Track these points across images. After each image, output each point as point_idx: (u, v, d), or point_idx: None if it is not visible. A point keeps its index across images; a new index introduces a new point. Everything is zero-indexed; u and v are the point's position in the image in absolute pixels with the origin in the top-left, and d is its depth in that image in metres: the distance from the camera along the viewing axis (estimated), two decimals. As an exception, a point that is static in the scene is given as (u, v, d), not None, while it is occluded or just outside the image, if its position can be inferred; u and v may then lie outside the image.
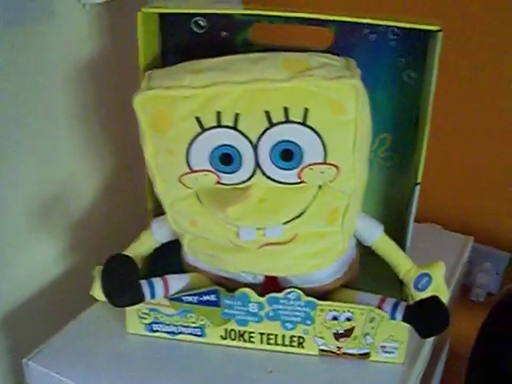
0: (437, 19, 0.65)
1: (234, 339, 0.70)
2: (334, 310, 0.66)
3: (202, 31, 0.70)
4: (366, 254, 0.71)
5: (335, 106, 0.58)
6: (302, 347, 0.69)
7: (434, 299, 0.64)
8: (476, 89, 0.94)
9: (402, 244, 0.71)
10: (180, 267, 0.72)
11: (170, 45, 0.71)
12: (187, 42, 0.70)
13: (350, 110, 0.58)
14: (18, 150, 0.72)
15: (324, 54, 0.63)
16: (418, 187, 0.69)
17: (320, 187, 0.62)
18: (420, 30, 0.65)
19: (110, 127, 0.85)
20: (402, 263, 0.69)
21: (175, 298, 0.68)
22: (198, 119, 0.59)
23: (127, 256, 0.66)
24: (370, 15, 0.65)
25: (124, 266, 0.65)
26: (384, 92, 0.71)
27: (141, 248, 0.71)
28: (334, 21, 0.66)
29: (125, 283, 0.65)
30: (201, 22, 0.70)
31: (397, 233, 0.71)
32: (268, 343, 0.69)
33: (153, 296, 0.67)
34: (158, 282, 0.68)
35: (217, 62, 0.62)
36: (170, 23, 0.70)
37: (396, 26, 0.67)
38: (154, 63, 0.69)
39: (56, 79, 0.75)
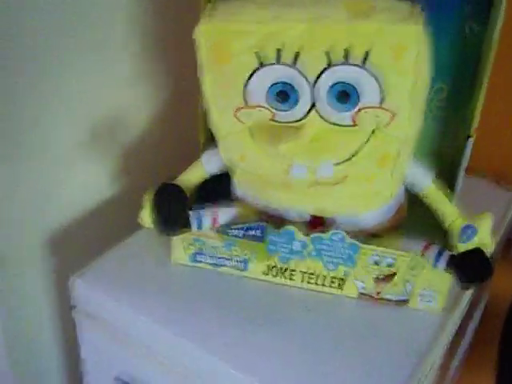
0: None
1: (275, 276, 0.71)
2: (377, 254, 0.67)
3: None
4: (413, 200, 0.71)
5: (396, 50, 0.58)
6: (342, 289, 0.70)
7: (479, 250, 0.64)
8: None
9: (451, 195, 0.71)
10: (229, 199, 0.73)
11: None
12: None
13: (412, 55, 0.58)
14: (73, 71, 0.73)
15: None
16: (470, 140, 0.69)
17: (373, 131, 0.62)
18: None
19: (167, 57, 0.85)
20: (449, 213, 0.69)
21: (221, 230, 0.69)
22: (258, 54, 0.59)
23: (177, 186, 0.67)
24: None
25: (174, 195, 0.67)
26: (445, 42, 0.69)
27: (191, 178, 0.72)
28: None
29: (173, 212, 0.66)
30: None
31: (446, 184, 0.71)
32: (308, 282, 0.70)
33: (200, 227, 0.68)
34: (206, 213, 0.69)
35: (277, -1, 0.62)
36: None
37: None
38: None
39: (115, 5, 0.75)
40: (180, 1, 0.81)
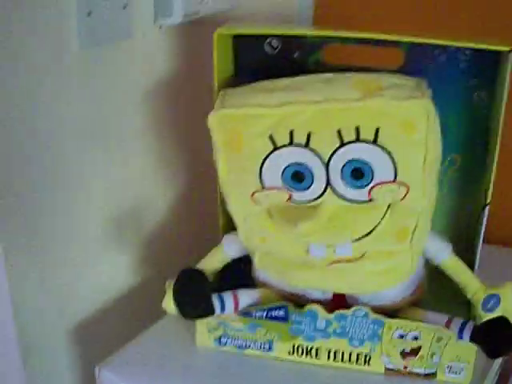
0: (507, 38, 0.65)
1: (301, 355, 0.70)
2: (402, 328, 0.66)
3: (274, 52, 0.72)
4: (434, 273, 0.71)
5: (406, 126, 0.59)
6: (369, 365, 0.69)
7: (502, 319, 0.64)
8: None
9: (470, 265, 0.71)
10: (250, 282, 0.74)
11: (243, 65, 0.73)
12: (260, 63, 0.73)
13: (421, 129, 0.60)
14: (95, 166, 0.75)
15: (395, 74, 0.65)
16: (487, 208, 0.69)
17: (389, 206, 0.63)
18: (491, 51, 0.65)
19: (183, 144, 0.87)
20: (470, 283, 0.69)
21: (245, 313, 0.69)
22: (271, 137, 0.61)
23: (199, 270, 0.68)
24: (441, 36, 0.66)
25: (196, 279, 0.67)
26: (454, 113, 0.71)
27: (212, 263, 0.73)
28: (404, 42, 0.68)
29: (196, 296, 0.67)
30: (274, 43, 0.72)
31: (465, 253, 0.71)
32: (334, 360, 0.70)
33: (223, 310, 0.68)
34: (228, 296, 0.69)
35: (289, 81, 0.64)
36: (243, 44, 0.72)
37: (466, 47, 0.68)
38: (227, 83, 0.70)
39: (131, 99, 0.77)
40: (195, 89, 0.84)
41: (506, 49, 0.63)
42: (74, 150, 0.72)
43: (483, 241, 0.72)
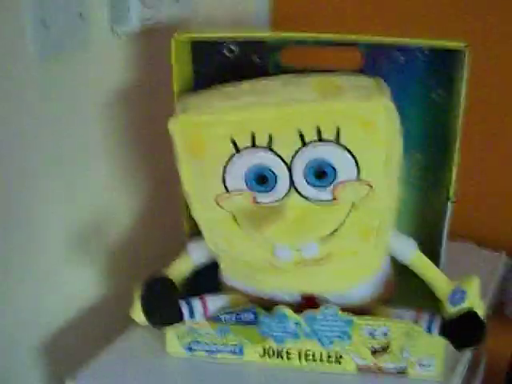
0: (464, 37, 0.66)
1: (272, 357, 0.70)
2: (370, 325, 0.67)
3: (233, 55, 0.72)
4: (400, 271, 0.72)
5: (365, 125, 0.60)
6: (340, 364, 0.69)
7: (470, 312, 0.64)
8: (506, 104, 0.95)
9: (436, 261, 0.71)
10: (217, 287, 0.73)
11: (202, 70, 0.73)
12: (219, 67, 0.72)
13: (381, 128, 0.60)
14: (56, 179, 0.75)
15: (354, 74, 0.65)
16: (449, 204, 0.70)
17: (353, 205, 0.63)
18: (449, 50, 0.66)
19: (145, 152, 0.87)
20: (436, 279, 0.70)
21: (213, 318, 0.69)
22: (232, 141, 0.60)
23: (165, 277, 0.68)
24: (398, 36, 0.67)
25: (162, 286, 0.67)
26: (414, 111, 0.72)
27: (179, 270, 0.72)
28: (362, 43, 0.68)
29: (163, 303, 0.66)
30: (232, 47, 0.72)
31: (431, 250, 0.72)
32: (306, 360, 0.70)
33: (192, 316, 0.68)
34: (196, 301, 0.69)
35: (249, 85, 0.64)
36: (201, 49, 0.72)
37: (423, 46, 0.68)
38: (187, 88, 0.71)
39: (91, 107, 0.77)
40: (156, 95, 0.83)
41: (462, 46, 0.64)
42: (34, 160, 0.71)
43: (448, 237, 0.73)
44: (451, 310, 0.68)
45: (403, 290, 0.73)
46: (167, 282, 0.67)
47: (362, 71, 0.69)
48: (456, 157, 0.68)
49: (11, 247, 0.71)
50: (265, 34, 0.73)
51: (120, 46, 0.79)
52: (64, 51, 0.70)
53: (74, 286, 0.81)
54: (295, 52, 0.71)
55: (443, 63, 0.70)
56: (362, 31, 0.67)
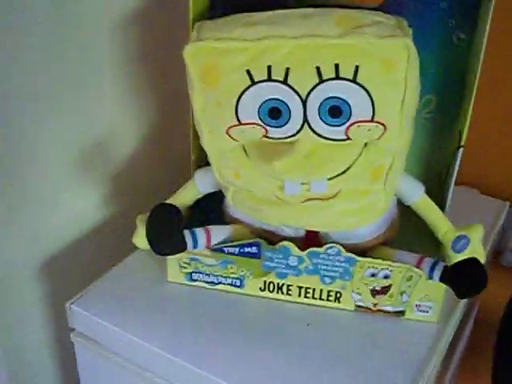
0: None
1: (272, 291, 0.71)
2: (373, 266, 0.67)
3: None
4: (405, 213, 0.72)
5: (386, 64, 0.58)
6: (339, 302, 0.70)
7: (473, 260, 0.65)
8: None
9: (441, 205, 0.72)
10: (222, 218, 0.74)
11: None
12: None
13: (401, 68, 0.59)
14: (62, 99, 0.73)
15: (376, 11, 0.64)
16: (460, 150, 0.70)
17: (365, 145, 0.63)
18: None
19: (155, 77, 0.85)
20: (440, 224, 0.70)
21: (217, 249, 0.69)
22: (248, 72, 0.59)
23: (172, 205, 0.67)
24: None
25: (169, 215, 0.66)
26: (432, 53, 0.71)
27: (184, 198, 0.73)
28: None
29: (169, 232, 0.66)
30: (252, -24, 0.70)
31: (436, 194, 0.72)
32: (306, 296, 0.71)
33: (195, 246, 0.68)
34: (200, 232, 0.69)
35: (268, 15, 0.62)
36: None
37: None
38: (203, 15, 0.68)
39: (101, 28, 0.75)
40: (169, 18, 0.82)
41: (488, -11, 0.63)
42: (37, 81, 0.70)
43: (455, 183, 0.73)
44: (453, 256, 0.69)
45: (406, 231, 0.73)
46: (174, 210, 0.66)
47: (382, 8, 0.68)
48: (471, 103, 0.67)
49: (11, 169, 0.70)
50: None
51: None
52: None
53: (78, 209, 0.81)
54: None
55: (466, 5, 0.68)
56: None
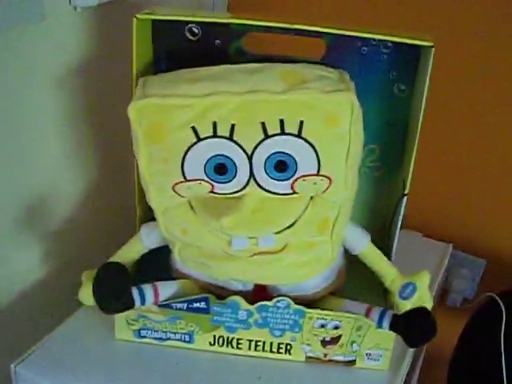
0: (428, 32, 0.66)
1: (222, 345, 0.70)
2: (322, 317, 0.67)
3: (195, 38, 0.71)
4: (351, 261, 0.72)
5: (330, 119, 0.59)
6: (290, 354, 0.70)
7: (422, 310, 0.65)
8: (463, 103, 0.96)
9: (386, 253, 0.72)
10: (168, 273, 0.73)
11: (163, 51, 0.71)
12: (180, 49, 0.71)
13: (345, 123, 0.59)
14: (3, 152, 0.72)
15: (318, 65, 0.64)
16: (405, 198, 0.71)
17: (311, 198, 0.63)
18: (412, 45, 0.66)
19: (98, 132, 0.84)
20: (387, 272, 0.71)
21: (165, 305, 0.68)
22: (193, 129, 0.59)
23: (120, 264, 0.66)
24: (363, 28, 0.66)
25: (116, 273, 0.65)
26: (374, 104, 0.72)
27: (129, 253, 0.71)
28: (326, 32, 0.67)
29: (116, 291, 0.65)
30: (195, 30, 0.70)
31: (382, 241, 0.73)
32: (256, 350, 0.70)
33: (143, 302, 0.67)
34: (148, 288, 0.67)
35: (213, 71, 0.62)
36: (163, 29, 0.70)
37: (388, 40, 0.68)
38: (146, 69, 0.69)
39: (45, 82, 0.74)
40: (113, 74, 0.81)
41: (427, 44, 0.64)
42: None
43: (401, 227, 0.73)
44: (401, 302, 0.70)
45: (353, 280, 0.73)
46: (121, 268, 0.65)
47: (325, 60, 0.69)
48: (414, 151, 0.68)
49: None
50: (228, 18, 0.70)
51: (78, 20, 0.75)
52: (17, 25, 0.67)
53: (19, 266, 0.79)
54: (257, 38, 0.70)
55: (407, 58, 0.70)
56: (327, 20, 0.66)
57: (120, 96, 0.62)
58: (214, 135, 0.59)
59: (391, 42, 0.69)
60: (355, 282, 0.73)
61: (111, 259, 0.71)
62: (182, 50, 0.71)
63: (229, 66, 0.63)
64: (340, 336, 0.68)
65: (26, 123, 0.73)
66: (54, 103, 0.76)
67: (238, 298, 0.67)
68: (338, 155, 0.61)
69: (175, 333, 0.70)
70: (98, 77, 0.82)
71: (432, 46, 0.64)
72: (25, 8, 0.66)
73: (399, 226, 0.72)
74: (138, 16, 0.65)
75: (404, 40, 0.65)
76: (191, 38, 0.70)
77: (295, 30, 0.66)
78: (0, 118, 0.70)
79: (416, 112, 0.68)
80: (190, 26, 0.70)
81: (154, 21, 0.70)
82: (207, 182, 0.61)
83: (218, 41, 0.71)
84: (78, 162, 0.83)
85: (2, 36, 0.66)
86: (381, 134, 0.74)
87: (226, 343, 0.70)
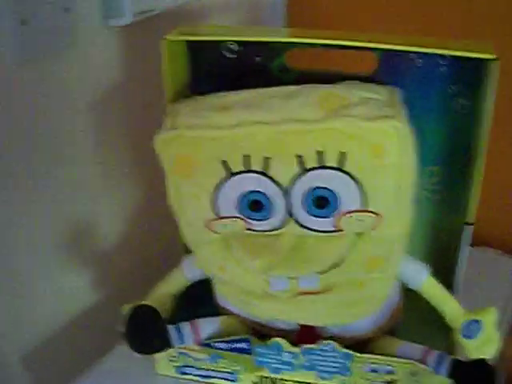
0: (489, 41, 0.58)
1: (267, 386, 0.66)
2: (374, 362, 0.61)
3: (234, 56, 0.65)
4: (410, 296, 0.66)
5: (375, 150, 0.52)
6: (340, 398, 0.65)
7: (483, 361, 0.58)
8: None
9: (450, 284, 0.66)
10: (213, 305, 0.69)
11: (200, 70, 0.66)
12: (219, 68, 0.65)
13: (392, 153, 0.53)
14: (45, 177, 0.69)
15: (366, 84, 0.58)
16: (470, 228, 0.63)
17: (358, 235, 0.57)
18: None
19: (142, 157, 0.79)
20: (449, 309, 0.64)
21: (205, 345, 0.64)
22: (224, 163, 0.54)
23: (150, 306, 0.62)
24: (418, 39, 0.59)
25: (147, 316, 0.62)
26: (433, 121, 0.64)
27: (171, 286, 0.68)
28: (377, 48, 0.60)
29: (148, 333, 0.62)
30: (232, 47, 0.65)
31: (445, 272, 0.66)
32: (303, 391, 0.66)
33: (181, 341, 0.63)
34: (186, 327, 0.64)
35: (246, 96, 0.56)
36: (199, 47, 0.65)
37: (446, 54, 0.61)
38: (182, 90, 0.64)
39: (79, 111, 0.71)
40: (150, 94, 0.76)
41: (491, 57, 0.56)
42: (21, 161, 0.65)
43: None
44: (464, 342, 0.63)
45: (413, 316, 0.67)
46: (151, 311, 0.61)
47: (376, 76, 0.62)
48: (479, 174, 0.61)
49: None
50: (268, 36, 0.64)
51: (111, 41, 0.71)
52: (49, 52, 0.63)
53: (62, 294, 0.76)
54: (303, 53, 0.63)
55: (467, 70, 0.61)
56: (379, 32, 0.59)
57: (158, 121, 0.58)
58: (247, 170, 0.54)
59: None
60: (416, 317, 0.67)
61: (152, 293, 0.68)
62: (220, 68, 0.65)
63: (264, 89, 0.57)
64: (395, 381, 0.62)
65: (64, 151, 0.70)
66: (92, 130, 0.73)
67: (281, 340, 0.62)
68: (387, 189, 0.54)
69: (218, 371, 0.66)
70: (136, 99, 0.77)
71: (496, 59, 0.56)
72: (54, 33, 0.63)
73: (465, 258, 0.65)
74: (168, 38, 0.60)
75: (464, 54, 0.57)
76: (229, 55, 0.65)
77: (340, 46, 0.59)
78: (41, 143, 0.67)
79: (481, 129, 0.59)
80: (227, 43, 0.64)
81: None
82: (242, 219, 0.56)
83: (258, 58, 0.64)
84: (119, 193, 0.80)
85: (35, 63, 0.63)
86: (442, 154, 0.66)
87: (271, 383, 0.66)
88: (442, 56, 0.61)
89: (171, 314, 0.68)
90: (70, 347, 0.78)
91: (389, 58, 0.62)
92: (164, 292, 0.67)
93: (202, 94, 0.60)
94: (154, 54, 0.65)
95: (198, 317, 0.67)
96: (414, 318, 0.67)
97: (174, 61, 0.62)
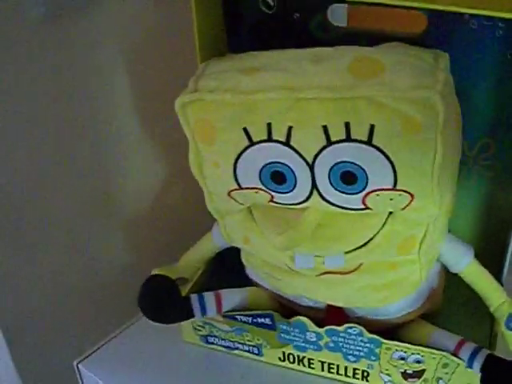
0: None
1: (292, 362, 0.63)
2: (402, 350, 0.57)
3: (270, 12, 0.60)
4: (454, 280, 0.60)
5: (408, 123, 0.46)
6: (367, 381, 0.61)
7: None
8: None
9: (500, 270, 0.59)
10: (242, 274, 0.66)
11: (237, 26, 0.61)
12: (256, 24, 0.60)
13: (428, 127, 0.46)
14: (77, 148, 0.69)
15: (410, 46, 0.51)
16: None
17: (390, 214, 0.52)
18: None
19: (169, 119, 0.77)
20: (493, 296, 0.58)
21: (229, 317, 0.61)
22: (245, 130, 0.49)
23: (164, 276, 0.60)
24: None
25: (161, 286, 0.59)
26: (487, 90, 0.57)
27: (201, 252, 0.66)
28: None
29: (161, 304, 0.59)
30: (270, 1, 0.59)
31: (494, 256, 0.60)
32: (329, 372, 0.62)
33: (204, 311, 0.61)
34: (210, 297, 0.61)
35: (277, 57, 0.51)
36: (234, 2, 0.60)
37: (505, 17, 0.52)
38: (217, 47, 0.59)
39: (112, 63, 0.69)
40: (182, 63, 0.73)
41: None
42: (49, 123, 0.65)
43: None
44: (507, 334, 0.57)
45: (455, 301, 0.62)
46: (166, 282, 0.59)
47: (425, 35, 0.55)
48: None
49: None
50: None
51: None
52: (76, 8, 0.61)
53: (93, 254, 0.75)
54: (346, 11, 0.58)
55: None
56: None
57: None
58: (269, 139, 0.49)
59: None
60: (459, 303, 0.62)
61: (182, 258, 0.66)
62: (258, 25, 0.60)
63: (295, 50, 0.52)
64: (423, 370, 0.58)
65: (98, 116, 0.69)
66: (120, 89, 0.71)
67: (305, 320, 0.58)
68: (421, 166, 0.48)
69: (243, 343, 0.63)
70: (166, 56, 0.74)
71: None
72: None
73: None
74: (199, -12, 0.56)
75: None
76: (267, 10, 0.60)
77: (384, 4, 0.53)
78: (72, 112, 0.66)
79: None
80: (264, -3, 0.59)
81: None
82: (265, 191, 0.52)
83: (297, 14, 0.59)
84: (155, 152, 0.78)
85: (60, 20, 0.60)
86: (496, 126, 0.59)
87: (296, 361, 0.62)
88: (500, 18, 0.54)
89: (202, 281, 0.66)
90: (100, 311, 0.78)
91: (439, 17, 0.55)
92: (194, 258, 0.65)
93: (241, 52, 0.55)
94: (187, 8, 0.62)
95: (233, 286, 0.65)
96: (455, 305, 0.62)
97: (207, 14, 0.57)
